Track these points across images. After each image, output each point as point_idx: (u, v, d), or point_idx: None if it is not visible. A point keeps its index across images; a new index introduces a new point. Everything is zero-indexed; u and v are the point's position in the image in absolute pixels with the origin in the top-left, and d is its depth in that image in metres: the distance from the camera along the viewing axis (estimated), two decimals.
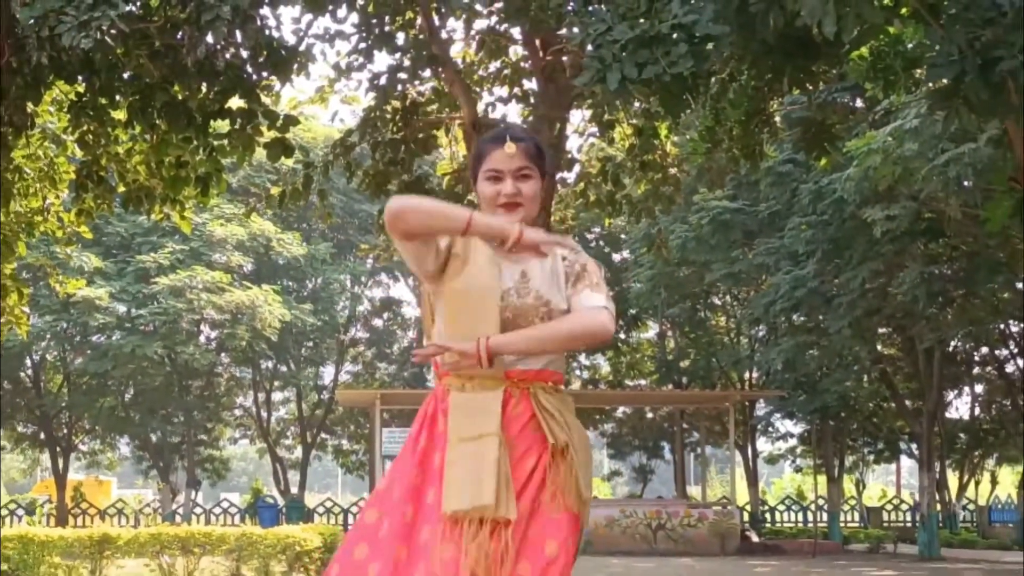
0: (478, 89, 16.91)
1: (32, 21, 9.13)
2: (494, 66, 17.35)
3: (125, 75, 11.65)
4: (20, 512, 49.59)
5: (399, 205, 4.65)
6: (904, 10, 10.20)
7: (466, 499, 4.52)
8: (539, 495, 4.65)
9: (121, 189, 13.98)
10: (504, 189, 4.87)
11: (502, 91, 17.49)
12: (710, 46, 7.90)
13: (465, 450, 4.61)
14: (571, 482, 4.67)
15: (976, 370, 45.05)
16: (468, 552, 4.51)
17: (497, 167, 4.91)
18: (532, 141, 5.02)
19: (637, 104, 13.83)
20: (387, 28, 15.42)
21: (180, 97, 11.86)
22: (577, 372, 53.87)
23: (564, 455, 4.68)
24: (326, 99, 19.18)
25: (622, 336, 51.00)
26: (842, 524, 46.28)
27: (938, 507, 39.64)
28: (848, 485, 51.48)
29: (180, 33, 10.64)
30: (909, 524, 47.69)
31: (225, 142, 12.69)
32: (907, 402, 41.09)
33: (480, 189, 4.96)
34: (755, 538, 40.98)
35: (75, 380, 48.22)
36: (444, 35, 15.62)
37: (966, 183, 16.54)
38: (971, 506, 51.97)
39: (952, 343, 37.46)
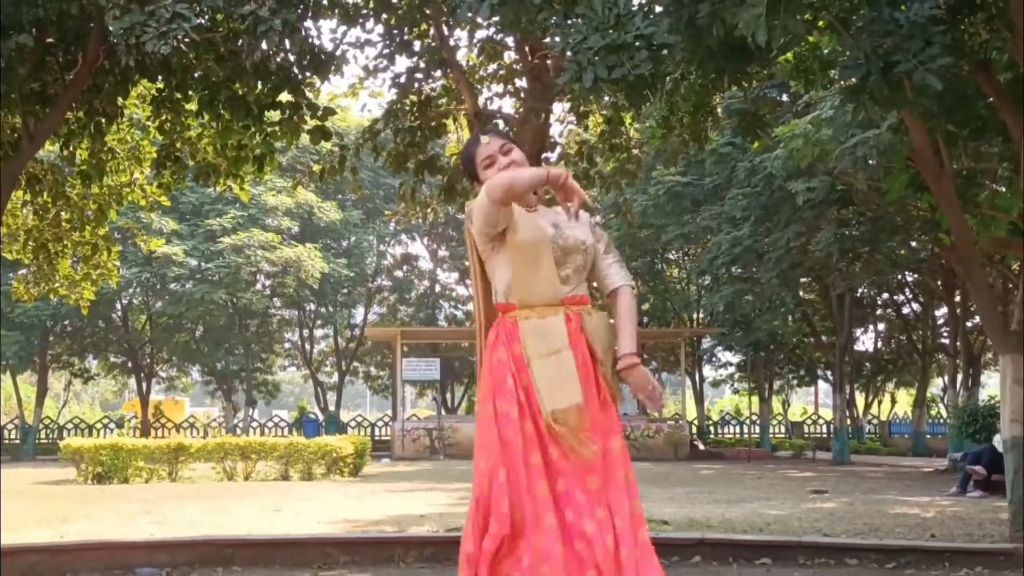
0: (479, 86, 16.87)
1: (122, 32, 9.11)
2: (492, 67, 17.30)
3: (196, 75, 11.64)
4: (112, 426, 49.81)
5: (507, 180, 4.84)
6: (821, 23, 10.22)
7: (562, 400, 4.80)
8: (599, 390, 5.00)
9: (192, 166, 13.97)
10: (501, 163, 5.05)
11: (498, 88, 17.46)
12: (665, 52, 7.91)
13: (548, 363, 4.86)
14: (603, 382, 5.01)
15: (879, 312, 45.20)
16: (563, 437, 4.82)
17: (488, 153, 5.10)
18: (498, 130, 5.25)
19: (607, 98, 13.79)
20: (406, 37, 15.38)
21: (240, 92, 11.85)
22: None
23: (597, 361, 4.99)
24: (357, 94, 19.14)
25: (595, 284, 51.09)
26: (771, 435, 46.49)
27: (848, 422, 39.80)
28: (776, 404, 51.76)
29: (240, 41, 10.63)
30: (825, 435, 47.85)
31: (276, 129, 12.68)
32: (823, 337, 41.19)
33: (486, 176, 5.06)
34: (701, 447, 41.22)
35: (156, 320, 48.23)
36: (452, 43, 15.57)
37: (871, 162, 16.54)
38: (875, 421, 52.19)
39: (860, 290, 37.56)
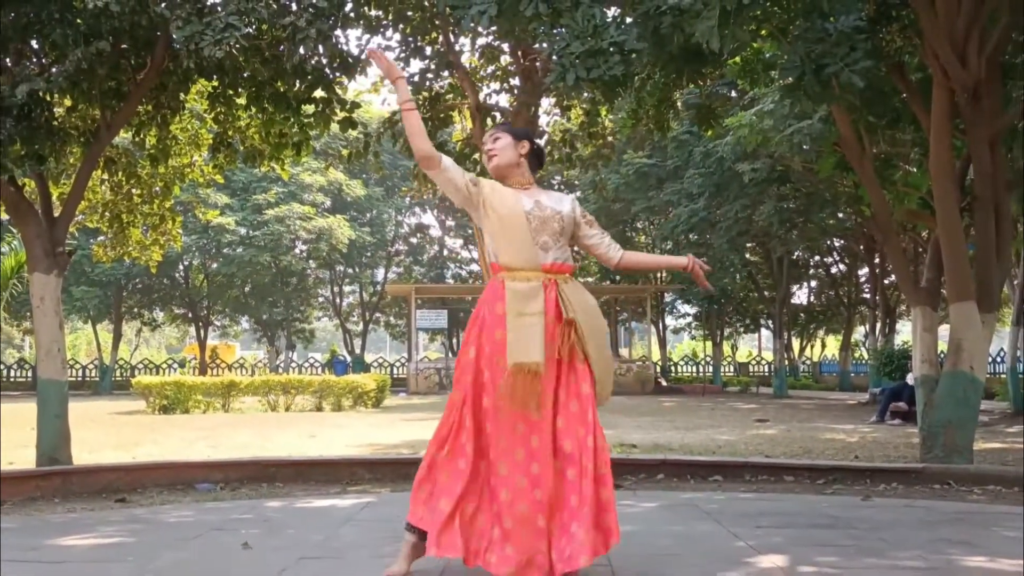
0: (480, 84, 16.82)
1: (183, 39, 9.09)
2: (490, 69, 17.25)
3: (245, 75, 11.60)
4: (175, 366, 49.87)
5: (416, 155, 5.07)
6: (764, 32, 10.20)
7: (523, 356, 4.59)
8: (565, 353, 4.73)
9: (242, 150, 13.95)
10: (486, 147, 5.10)
11: (496, 85, 17.42)
12: (635, 56, 7.90)
13: (522, 322, 4.67)
14: (579, 344, 4.75)
15: (811, 271, 45.19)
16: (515, 388, 4.62)
17: (483, 142, 5.15)
18: (504, 124, 5.24)
19: (586, 94, 13.78)
20: (419, 43, 15.34)
21: (282, 89, 11.82)
22: None
23: (573, 325, 4.73)
24: (378, 90, 19.11)
25: (575, 248, 51.09)
26: (722, 374, 46.60)
27: (786, 362, 39.88)
28: (726, 348, 51.74)
29: (282, 47, 10.61)
30: (767, 374, 47.96)
31: (311, 119, 12.66)
32: (765, 292, 41.30)
33: (487, 163, 5.13)
34: (664, 383, 41.28)
35: (212, 278, 48.20)
36: (457, 48, 15.53)
37: (805, 147, 16.51)
38: (808, 362, 52.24)
39: (795, 253, 37.58)
